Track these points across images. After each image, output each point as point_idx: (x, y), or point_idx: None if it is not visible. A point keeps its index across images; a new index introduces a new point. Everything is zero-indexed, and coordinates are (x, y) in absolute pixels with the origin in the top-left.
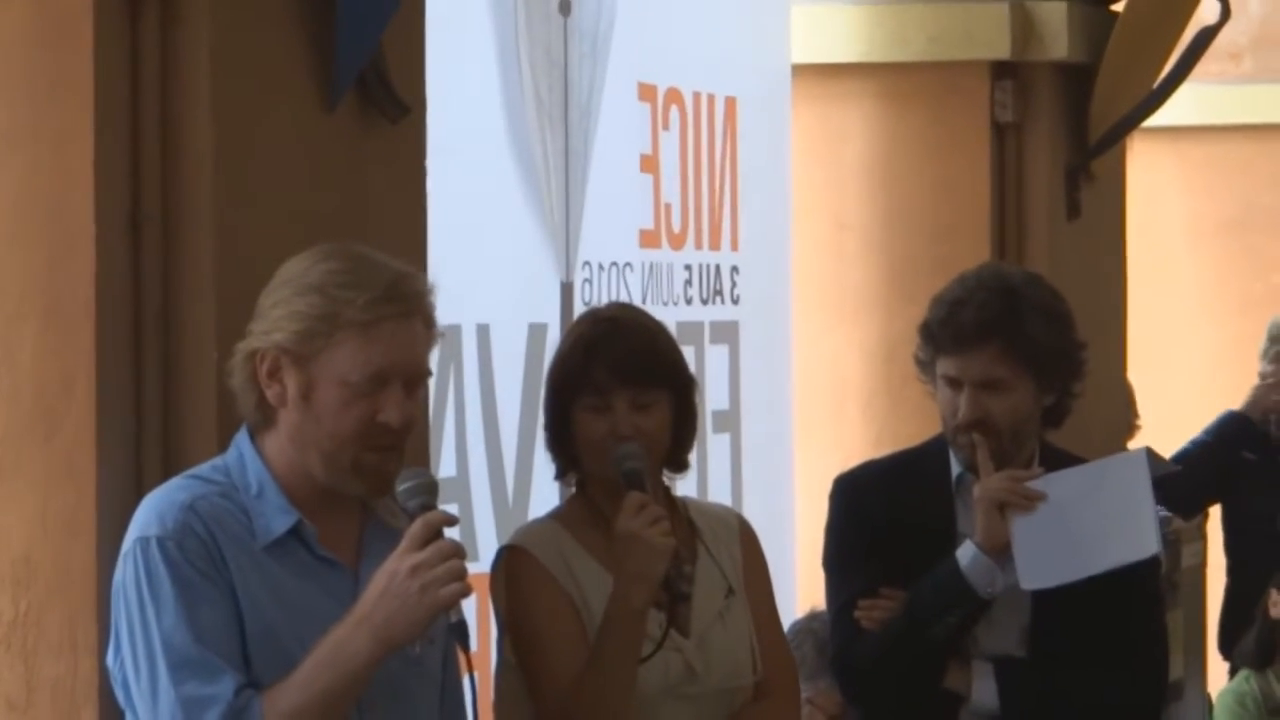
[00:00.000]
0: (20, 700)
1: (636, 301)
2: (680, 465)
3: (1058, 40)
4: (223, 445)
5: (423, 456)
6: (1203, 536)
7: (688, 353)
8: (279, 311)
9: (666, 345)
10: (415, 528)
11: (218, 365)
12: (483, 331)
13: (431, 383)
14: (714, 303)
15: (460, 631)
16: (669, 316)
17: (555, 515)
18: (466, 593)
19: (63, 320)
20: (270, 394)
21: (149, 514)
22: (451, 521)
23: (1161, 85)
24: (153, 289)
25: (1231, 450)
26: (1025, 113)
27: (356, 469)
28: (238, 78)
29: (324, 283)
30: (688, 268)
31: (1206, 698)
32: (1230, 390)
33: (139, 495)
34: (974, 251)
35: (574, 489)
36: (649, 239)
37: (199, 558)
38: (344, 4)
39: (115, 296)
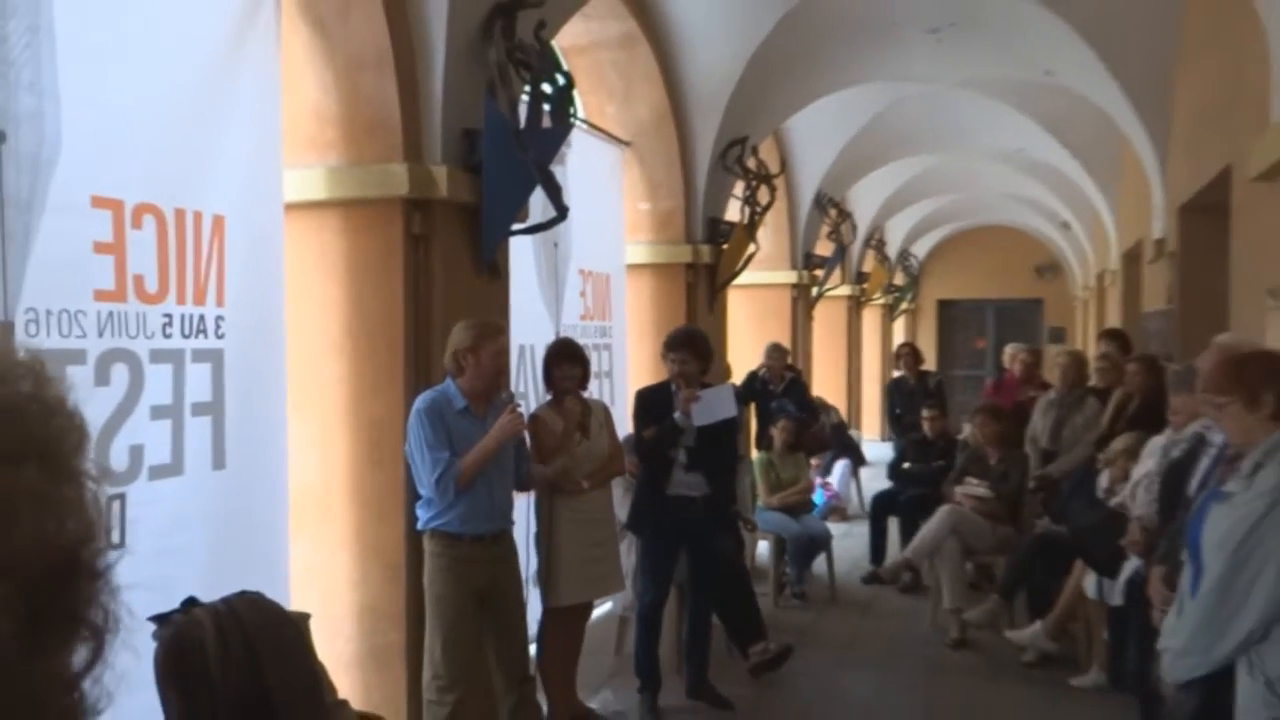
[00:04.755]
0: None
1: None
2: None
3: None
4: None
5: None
6: None
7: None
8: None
9: (579, 348)
10: (506, 406)
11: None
12: None
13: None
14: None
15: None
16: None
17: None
18: (522, 430)
19: (389, 348)
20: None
21: (421, 399)
22: (517, 404)
23: None
24: (420, 342)
25: None
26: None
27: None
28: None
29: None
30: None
31: None
32: None
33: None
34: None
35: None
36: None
37: (435, 414)
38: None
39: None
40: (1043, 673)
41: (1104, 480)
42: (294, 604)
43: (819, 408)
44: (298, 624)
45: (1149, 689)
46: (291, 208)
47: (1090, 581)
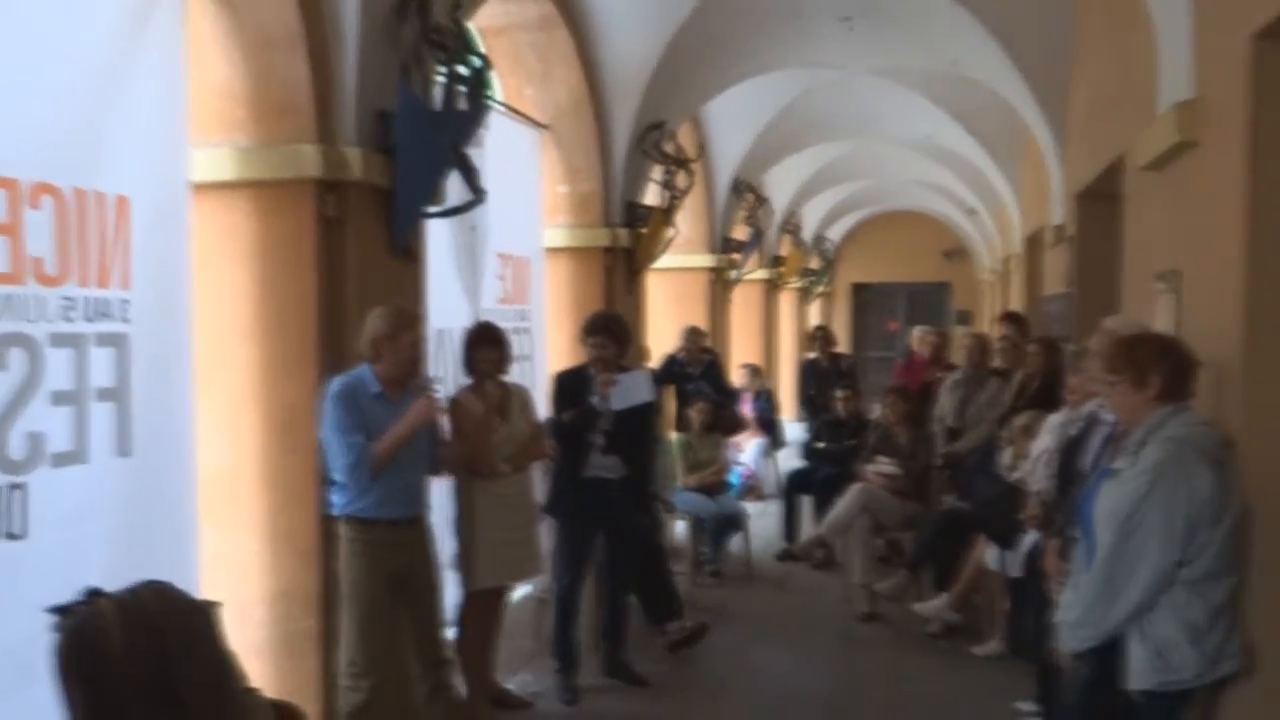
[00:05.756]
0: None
1: None
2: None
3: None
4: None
5: None
6: None
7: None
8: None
9: (500, 331)
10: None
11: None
12: None
13: None
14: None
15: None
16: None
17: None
18: (436, 417)
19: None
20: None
21: (335, 383)
22: (433, 389)
23: None
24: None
25: None
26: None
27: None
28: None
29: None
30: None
31: None
32: None
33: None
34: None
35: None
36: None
37: (349, 399)
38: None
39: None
40: (947, 642)
41: (1005, 457)
42: (204, 592)
43: (741, 390)
44: (206, 612)
45: (1046, 658)
46: (199, 188)
47: (992, 555)
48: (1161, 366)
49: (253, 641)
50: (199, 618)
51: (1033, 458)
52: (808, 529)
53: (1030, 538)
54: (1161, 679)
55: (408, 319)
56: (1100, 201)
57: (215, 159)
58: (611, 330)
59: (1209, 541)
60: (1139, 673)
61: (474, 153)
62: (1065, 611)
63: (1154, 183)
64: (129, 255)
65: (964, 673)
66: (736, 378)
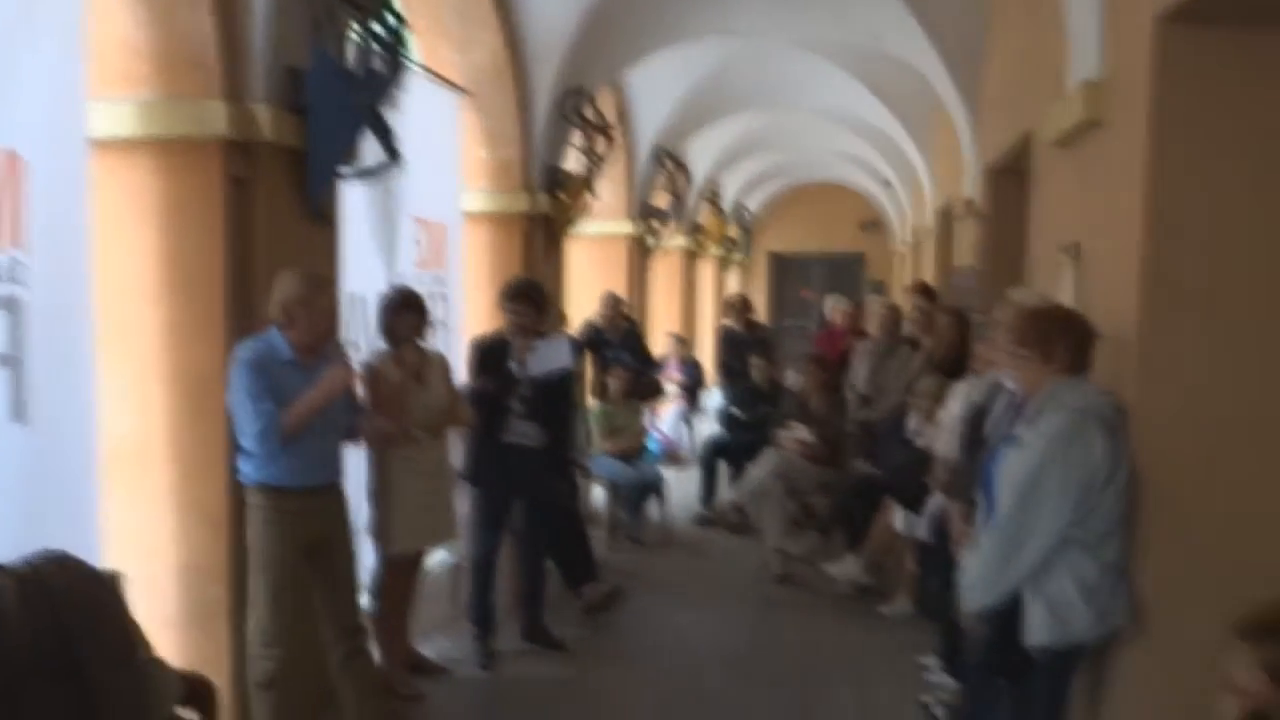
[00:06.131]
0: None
1: None
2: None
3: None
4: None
5: None
6: None
7: None
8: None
9: (418, 297)
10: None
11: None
12: None
13: None
14: None
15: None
16: None
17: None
18: (351, 384)
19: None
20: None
21: (243, 348)
22: (348, 355)
23: None
24: (242, 283)
25: None
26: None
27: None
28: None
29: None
30: None
31: None
32: None
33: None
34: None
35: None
36: None
37: (258, 365)
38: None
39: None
40: (857, 603)
41: (912, 422)
42: (109, 562)
43: (668, 358)
44: (109, 583)
45: (951, 617)
46: (101, 145)
47: (900, 517)
48: (1065, 340)
49: (161, 613)
50: (101, 589)
51: (940, 425)
52: (724, 494)
53: (936, 501)
54: (1057, 635)
55: (321, 284)
56: (1010, 176)
57: (117, 115)
58: (531, 297)
59: (1101, 504)
60: (1036, 630)
61: (391, 115)
62: (967, 573)
63: (1060, 159)
64: (24, 215)
65: (873, 632)
66: (663, 347)
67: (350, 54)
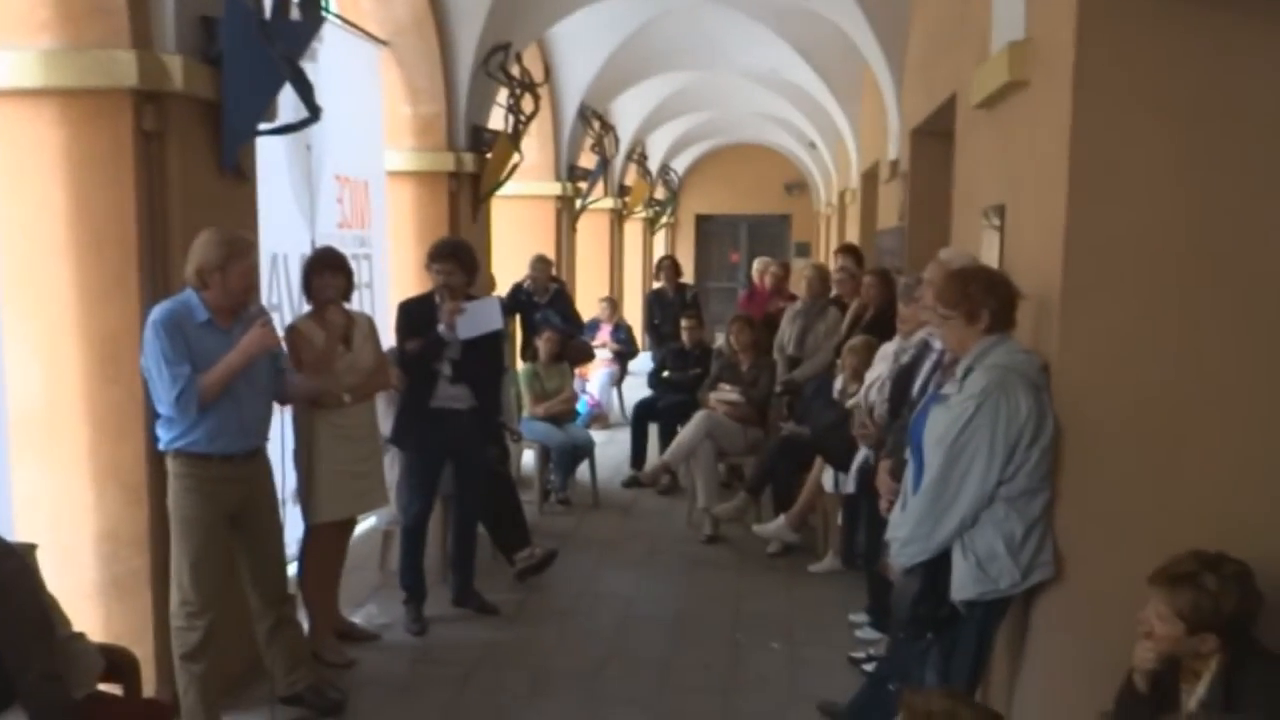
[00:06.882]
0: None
1: None
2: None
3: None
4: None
5: None
6: None
7: None
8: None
9: (341, 257)
10: (256, 320)
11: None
12: None
13: None
14: None
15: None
16: None
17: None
18: (273, 345)
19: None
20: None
21: (157, 310)
22: (267, 318)
23: None
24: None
25: None
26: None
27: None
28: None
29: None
30: None
31: None
32: None
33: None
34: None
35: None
36: None
37: (173, 327)
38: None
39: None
40: (786, 561)
41: (839, 382)
42: (19, 534)
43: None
44: (21, 555)
45: (877, 571)
46: (2, 96)
47: (828, 477)
48: (991, 301)
49: (79, 585)
50: (12, 561)
51: (867, 384)
52: (654, 456)
53: (861, 454)
54: (982, 589)
55: (241, 246)
56: (934, 138)
57: (18, 63)
58: (459, 257)
59: (1026, 460)
60: (962, 584)
61: (308, 68)
62: (896, 529)
63: (985, 120)
64: None
65: (802, 589)
66: (594, 309)
67: (266, 2)
